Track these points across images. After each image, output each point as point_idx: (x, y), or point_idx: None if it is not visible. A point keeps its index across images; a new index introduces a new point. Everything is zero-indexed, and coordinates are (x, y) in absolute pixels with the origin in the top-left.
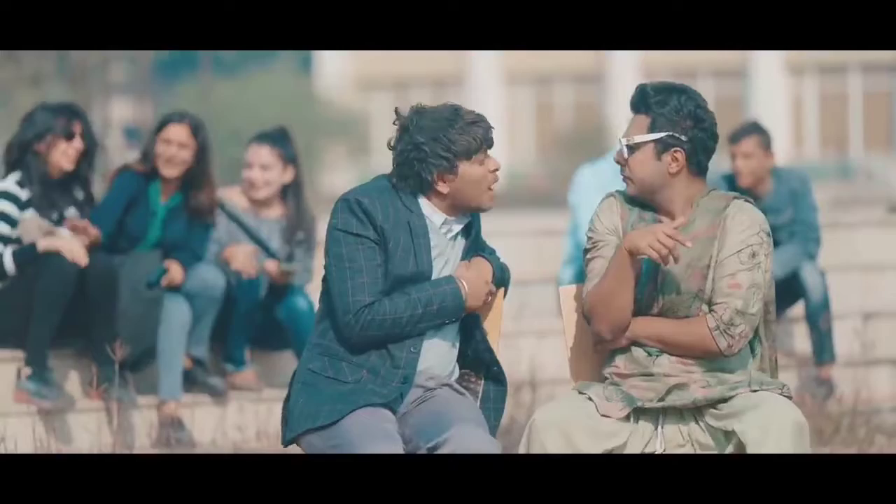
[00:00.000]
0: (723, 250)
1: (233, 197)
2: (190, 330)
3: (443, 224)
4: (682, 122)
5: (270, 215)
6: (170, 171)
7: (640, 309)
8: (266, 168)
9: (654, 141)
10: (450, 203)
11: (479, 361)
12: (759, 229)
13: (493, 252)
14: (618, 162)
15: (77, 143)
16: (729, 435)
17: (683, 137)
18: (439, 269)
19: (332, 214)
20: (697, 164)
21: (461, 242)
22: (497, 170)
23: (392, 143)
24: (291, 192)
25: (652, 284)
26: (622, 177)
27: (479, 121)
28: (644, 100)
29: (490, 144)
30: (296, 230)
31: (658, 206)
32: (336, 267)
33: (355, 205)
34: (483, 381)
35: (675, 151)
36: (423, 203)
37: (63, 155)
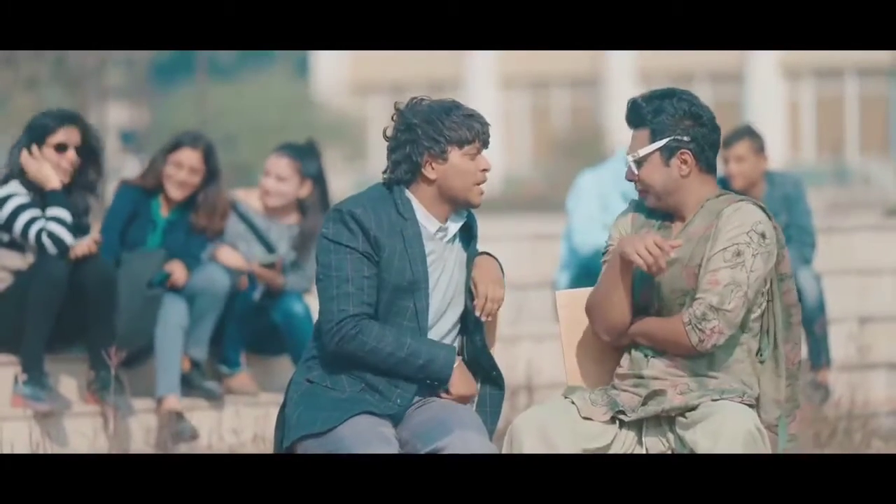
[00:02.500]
0: (712, 248)
1: (248, 198)
2: (190, 330)
3: (437, 231)
4: (680, 123)
5: (284, 221)
6: (177, 193)
7: (638, 309)
8: (281, 179)
9: (658, 150)
10: (437, 192)
11: (476, 365)
12: (750, 229)
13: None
14: (630, 180)
15: (70, 156)
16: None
17: (686, 138)
18: (436, 277)
19: (324, 224)
20: (706, 161)
21: (457, 246)
22: (487, 170)
23: (387, 132)
24: (309, 207)
25: (648, 285)
26: (638, 192)
27: (478, 117)
28: (638, 113)
29: (485, 143)
30: (306, 241)
31: (673, 211)
32: (324, 275)
33: (347, 216)
34: (480, 385)
35: (682, 154)
36: (418, 208)
37: (56, 167)
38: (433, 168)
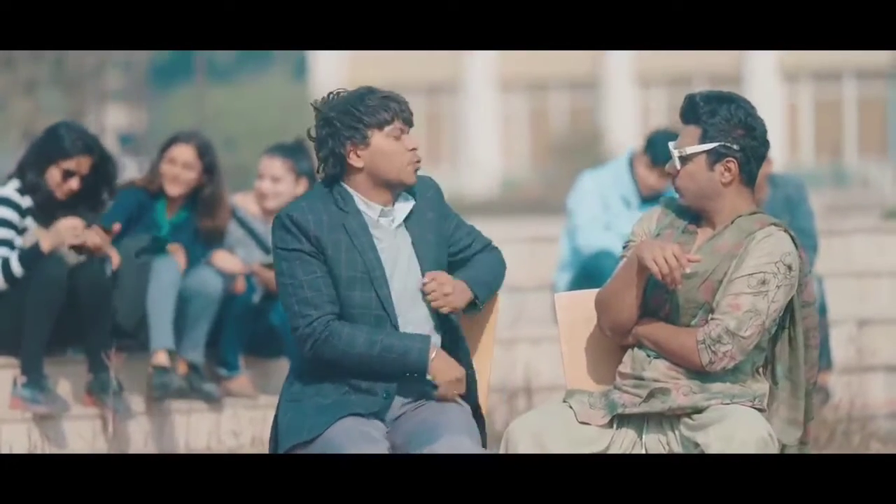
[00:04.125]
0: (737, 270)
1: (246, 202)
2: (185, 333)
3: (381, 215)
4: (733, 131)
5: None
6: (174, 190)
7: (648, 310)
8: (277, 180)
9: (705, 151)
10: (370, 179)
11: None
12: (779, 260)
13: (486, 247)
14: (669, 173)
15: (73, 184)
16: (697, 446)
17: (735, 147)
18: (391, 267)
19: (271, 233)
20: (749, 173)
21: (410, 232)
22: (415, 149)
23: (310, 132)
24: None
25: (662, 289)
26: (675, 187)
27: (394, 97)
28: (694, 110)
29: (406, 121)
30: None
31: (705, 216)
32: (281, 285)
33: (286, 219)
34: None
35: (728, 161)
36: (357, 199)
37: (58, 187)
38: (358, 156)
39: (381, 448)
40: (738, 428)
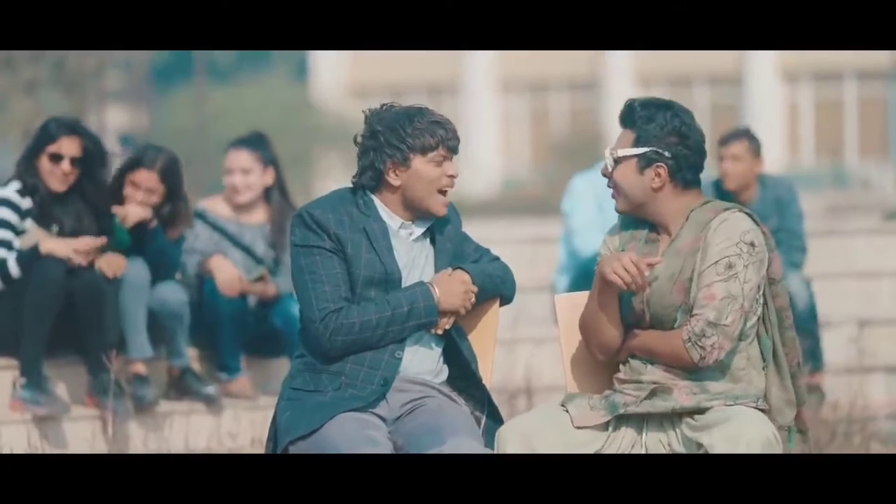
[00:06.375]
0: (703, 262)
1: (214, 206)
2: (166, 344)
3: (401, 227)
4: (666, 138)
5: (253, 220)
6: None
7: (630, 322)
8: (247, 172)
9: (637, 155)
10: (401, 199)
11: (471, 396)
12: (739, 240)
13: (495, 259)
14: (604, 174)
15: (65, 167)
16: (701, 447)
17: (667, 153)
18: (406, 274)
19: (291, 231)
20: (682, 179)
21: (427, 247)
22: (454, 176)
23: (356, 139)
24: (274, 194)
25: (638, 298)
26: (610, 190)
27: (444, 123)
28: (631, 115)
29: (452, 150)
30: (280, 232)
31: (652, 220)
32: (299, 280)
33: (307, 218)
34: (485, 418)
35: (658, 167)
36: (380, 207)
37: (50, 175)
38: (396, 175)
39: (381, 450)
40: (745, 428)
